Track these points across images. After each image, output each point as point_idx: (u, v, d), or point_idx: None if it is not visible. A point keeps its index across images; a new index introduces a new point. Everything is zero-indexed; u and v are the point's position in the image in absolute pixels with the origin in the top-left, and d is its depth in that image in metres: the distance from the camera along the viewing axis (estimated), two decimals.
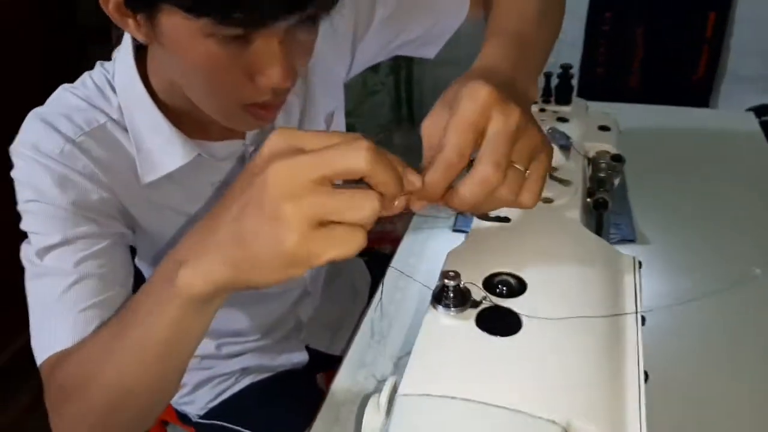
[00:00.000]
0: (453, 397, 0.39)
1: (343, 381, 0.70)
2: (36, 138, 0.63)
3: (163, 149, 0.66)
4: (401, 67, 2.34)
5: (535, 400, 0.39)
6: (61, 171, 0.62)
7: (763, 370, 0.68)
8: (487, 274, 0.48)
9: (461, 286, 0.45)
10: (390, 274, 0.81)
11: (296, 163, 0.37)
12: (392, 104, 2.43)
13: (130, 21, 0.57)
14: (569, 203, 0.59)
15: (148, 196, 0.69)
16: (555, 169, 0.64)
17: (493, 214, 0.56)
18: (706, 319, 0.74)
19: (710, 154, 1.10)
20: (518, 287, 0.47)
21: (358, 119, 2.27)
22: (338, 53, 0.80)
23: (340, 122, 0.85)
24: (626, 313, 0.47)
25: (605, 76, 2.08)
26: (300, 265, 0.39)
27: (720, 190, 0.99)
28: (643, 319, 0.47)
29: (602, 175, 0.69)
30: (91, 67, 0.70)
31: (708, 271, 0.81)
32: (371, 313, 0.78)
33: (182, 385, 0.85)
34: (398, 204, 0.41)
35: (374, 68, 2.27)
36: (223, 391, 0.92)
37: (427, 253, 0.88)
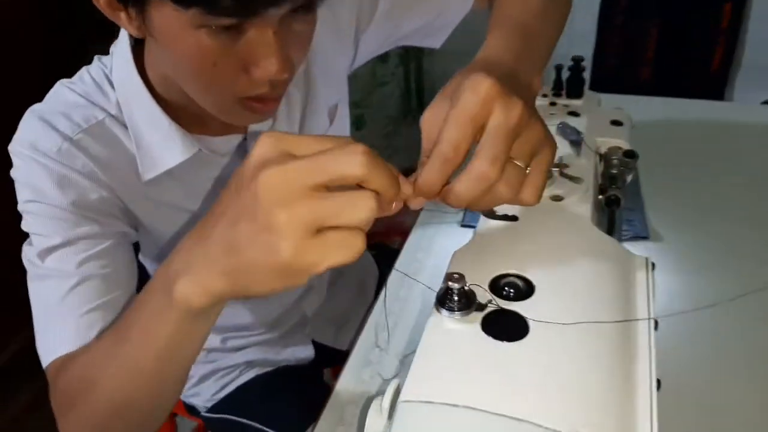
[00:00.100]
0: (455, 405, 0.38)
1: (347, 380, 0.69)
2: (34, 136, 0.62)
3: (162, 145, 0.65)
4: (411, 58, 2.32)
5: (541, 408, 0.37)
6: (59, 170, 0.61)
7: None
8: (493, 275, 0.47)
9: (466, 288, 0.44)
10: (395, 271, 0.80)
11: (289, 169, 0.36)
12: (401, 95, 2.41)
13: (122, 15, 0.56)
14: (580, 201, 0.58)
15: (148, 193, 0.68)
16: (566, 165, 0.62)
17: (500, 212, 0.54)
18: (722, 323, 0.71)
19: (725, 148, 1.08)
20: (526, 289, 0.46)
21: (367, 110, 2.26)
22: (341, 45, 0.79)
23: (344, 114, 0.84)
24: (638, 319, 0.45)
25: (618, 68, 2.05)
26: (299, 274, 0.37)
27: (735, 184, 0.97)
28: (656, 323, 0.46)
29: (614, 171, 0.67)
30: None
31: (722, 269, 0.79)
32: (376, 314, 0.77)
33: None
34: (395, 206, 0.40)
35: (383, 59, 2.27)
36: (228, 383, 0.92)
37: (435, 248, 0.87)
